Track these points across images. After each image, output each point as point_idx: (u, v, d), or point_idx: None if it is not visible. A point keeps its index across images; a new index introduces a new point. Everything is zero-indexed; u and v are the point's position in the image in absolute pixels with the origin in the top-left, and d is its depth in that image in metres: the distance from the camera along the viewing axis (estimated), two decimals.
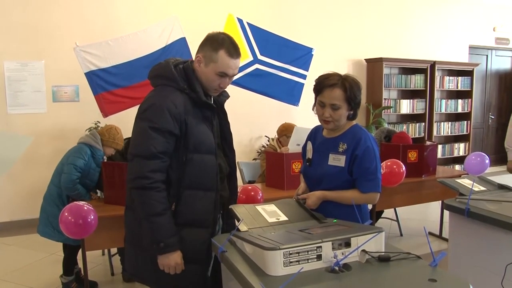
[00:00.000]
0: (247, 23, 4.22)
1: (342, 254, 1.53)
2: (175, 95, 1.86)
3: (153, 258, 1.85)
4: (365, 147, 2.01)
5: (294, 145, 3.72)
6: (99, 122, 4.86)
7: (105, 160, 3.45)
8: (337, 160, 2.06)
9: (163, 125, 1.79)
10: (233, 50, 1.90)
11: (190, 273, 1.90)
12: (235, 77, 4.09)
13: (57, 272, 3.46)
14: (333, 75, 2.04)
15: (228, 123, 2.12)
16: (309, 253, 1.49)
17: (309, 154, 2.22)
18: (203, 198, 1.90)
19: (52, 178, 3.35)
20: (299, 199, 2.12)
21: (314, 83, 2.09)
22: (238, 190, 3.12)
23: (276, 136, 4.27)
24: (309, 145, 2.25)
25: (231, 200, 2.16)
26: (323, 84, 2.03)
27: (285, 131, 4.14)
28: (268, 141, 5.61)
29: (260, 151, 5.91)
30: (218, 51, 1.87)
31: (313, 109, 2.14)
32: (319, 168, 2.13)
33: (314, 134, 2.27)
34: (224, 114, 2.11)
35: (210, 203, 1.92)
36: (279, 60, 4.36)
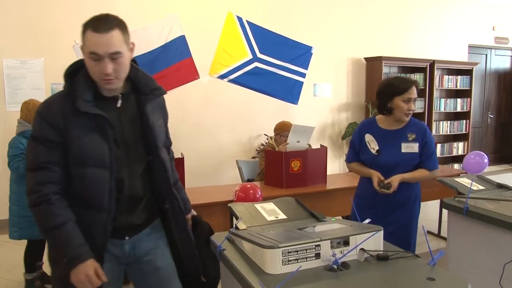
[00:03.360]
0: (247, 21, 4.22)
1: (341, 252, 1.53)
2: (58, 100, 1.63)
3: (61, 276, 1.63)
4: (431, 136, 2.62)
5: (294, 142, 3.72)
6: None
7: None
8: (410, 148, 2.56)
9: (39, 133, 1.60)
10: (98, 24, 1.57)
11: None
12: (235, 75, 4.17)
13: None
14: (411, 78, 2.72)
15: (153, 127, 1.72)
16: (307, 251, 1.49)
17: (374, 145, 2.61)
18: (85, 217, 1.62)
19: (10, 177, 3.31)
20: (386, 184, 2.51)
21: (388, 86, 2.58)
22: (237, 188, 3.13)
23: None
24: (369, 137, 2.64)
25: (177, 222, 1.84)
26: (408, 84, 2.55)
27: (279, 129, 4.12)
28: (267, 139, 5.61)
29: (259, 149, 5.92)
30: (85, 31, 1.57)
31: (382, 112, 2.63)
32: (391, 156, 2.57)
33: (368, 127, 2.69)
34: (146, 117, 1.71)
35: (96, 225, 1.63)
36: (278, 59, 4.35)
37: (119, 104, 1.68)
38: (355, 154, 2.76)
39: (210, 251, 1.88)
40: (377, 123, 2.69)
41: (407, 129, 2.61)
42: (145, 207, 1.76)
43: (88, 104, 1.59)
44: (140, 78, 1.76)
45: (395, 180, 2.52)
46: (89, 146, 1.60)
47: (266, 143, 5.14)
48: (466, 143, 7.84)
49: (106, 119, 1.60)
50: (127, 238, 1.73)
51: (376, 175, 2.57)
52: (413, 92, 2.55)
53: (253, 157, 5.78)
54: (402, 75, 7.03)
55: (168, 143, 1.97)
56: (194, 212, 2.07)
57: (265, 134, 5.96)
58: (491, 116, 8.74)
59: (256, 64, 4.26)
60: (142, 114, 1.71)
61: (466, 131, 7.85)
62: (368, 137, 2.65)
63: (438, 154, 7.38)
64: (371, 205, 2.65)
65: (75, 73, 1.65)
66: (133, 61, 1.78)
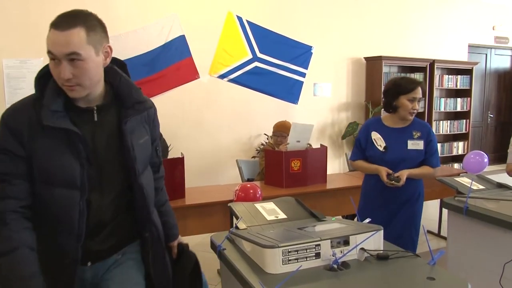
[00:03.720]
0: (247, 21, 4.22)
1: (341, 252, 1.53)
2: (25, 106, 1.42)
3: None
4: (433, 134, 2.77)
5: (294, 141, 3.72)
6: None
7: None
8: (416, 145, 2.70)
9: (0, 142, 1.40)
10: (60, 20, 1.38)
11: None
12: (235, 75, 4.17)
13: None
14: (417, 79, 2.81)
15: (131, 147, 1.49)
16: (307, 251, 1.49)
17: (381, 142, 2.73)
18: (53, 240, 1.44)
19: None
20: (395, 177, 2.60)
21: (396, 85, 2.71)
22: (237, 188, 3.13)
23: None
24: (376, 134, 2.76)
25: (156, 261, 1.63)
26: (414, 84, 2.68)
27: (275, 130, 4.19)
28: (267, 139, 5.61)
29: (259, 149, 5.91)
30: (50, 28, 1.39)
31: (388, 110, 2.77)
32: (398, 152, 2.70)
33: (374, 125, 2.82)
34: (124, 135, 1.48)
35: (66, 250, 1.44)
36: (278, 58, 4.35)
37: (95, 117, 1.46)
38: (360, 152, 2.86)
39: (194, 286, 1.77)
40: (383, 121, 2.82)
41: (412, 128, 2.75)
42: (113, 232, 1.53)
43: (55, 116, 1.37)
44: (122, 87, 1.51)
45: (404, 174, 2.62)
46: (57, 163, 1.38)
47: (266, 142, 5.13)
48: (466, 142, 7.84)
49: (77, 134, 1.39)
50: (89, 264, 1.51)
51: (384, 170, 2.67)
52: (418, 92, 2.68)
53: (253, 157, 5.78)
54: (403, 74, 7.03)
55: (156, 161, 1.73)
56: (181, 240, 1.85)
57: (265, 134, 5.96)
58: (491, 115, 8.74)
59: (256, 63, 4.26)
60: (120, 131, 1.48)
61: (466, 130, 7.85)
62: (375, 135, 2.77)
63: (438, 153, 7.37)
64: (378, 203, 2.76)
65: (49, 76, 1.41)
66: (121, 66, 1.57)
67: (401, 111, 2.71)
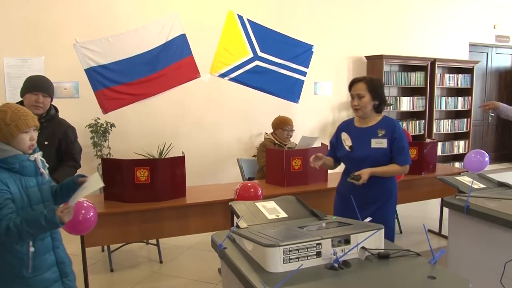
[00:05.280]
0: (248, 19, 4.21)
1: (342, 251, 1.53)
2: None
3: None
4: (400, 132, 2.69)
5: None
6: (99, 119, 4.86)
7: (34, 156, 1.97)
8: (379, 143, 2.67)
9: None
10: None
11: None
12: (236, 74, 4.16)
13: None
14: (361, 76, 2.79)
15: None
16: (308, 250, 1.49)
17: (348, 142, 2.77)
18: None
19: None
20: (355, 176, 2.60)
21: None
22: (238, 187, 3.14)
23: (272, 131, 4.36)
24: (345, 135, 2.80)
25: None
26: (352, 82, 2.76)
27: (281, 124, 4.28)
28: (266, 134, 5.60)
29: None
30: None
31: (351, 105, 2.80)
32: (361, 151, 2.70)
33: (346, 126, 2.86)
34: None
35: None
36: (279, 57, 4.35)
37: None
38: (331, 150, 2.98)
39: None
40: (353, 122, 2.85)
41: (378, 126, 2.73)
42: None
43: None
44: None
45: (365, 172, 2.61)
46: None
47: (266, 138, 5.03)
48: (467, 141, 7.84)
49: None
50: None
51: (316, 158, 2.77)
52: (355, 88, 2.72)
53: (254, 156, 5.78)
54: (403, 73, 7.04)
55: None
56: None
57: (265, 133, 5.96)
58: (492, 114, 8.72)
59: (257, 62, 4.26)
60: None
61: (467, 129, 7.84)
62: (344, 136, 2.82)
63: (439, 152, 7.37)
64: (346, 200, 2.67)
65: None
66: None
67: None
